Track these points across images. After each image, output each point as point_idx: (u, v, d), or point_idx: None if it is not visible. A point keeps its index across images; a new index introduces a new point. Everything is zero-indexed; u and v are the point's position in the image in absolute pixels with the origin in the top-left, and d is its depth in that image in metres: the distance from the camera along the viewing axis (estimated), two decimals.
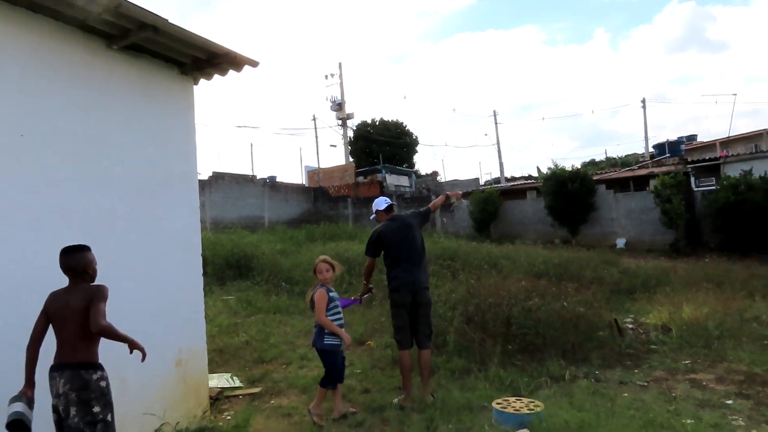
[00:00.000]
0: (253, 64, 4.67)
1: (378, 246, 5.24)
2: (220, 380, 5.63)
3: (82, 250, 3.12)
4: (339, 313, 4.75)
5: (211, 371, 5.95)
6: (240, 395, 5.30)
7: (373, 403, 4.88)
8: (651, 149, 35.64)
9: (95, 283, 3.11)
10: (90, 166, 3.94)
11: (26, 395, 2.92)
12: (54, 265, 3.05)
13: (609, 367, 5.85)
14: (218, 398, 5.22)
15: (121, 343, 2.98)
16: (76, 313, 2.93)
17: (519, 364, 5.89)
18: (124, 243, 4.08)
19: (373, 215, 5.55)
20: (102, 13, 3.62)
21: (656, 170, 21.33)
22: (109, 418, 2.99)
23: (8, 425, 2.77)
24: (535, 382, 5.29)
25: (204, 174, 24.89)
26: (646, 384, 5.29)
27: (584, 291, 8.03)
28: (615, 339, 6.80)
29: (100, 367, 3.03)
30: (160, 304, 4.29)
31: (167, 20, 3.87)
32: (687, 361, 5.95)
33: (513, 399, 4.47)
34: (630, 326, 7.72)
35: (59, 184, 3.74)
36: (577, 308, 6.80)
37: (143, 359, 3.05)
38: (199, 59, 4.55)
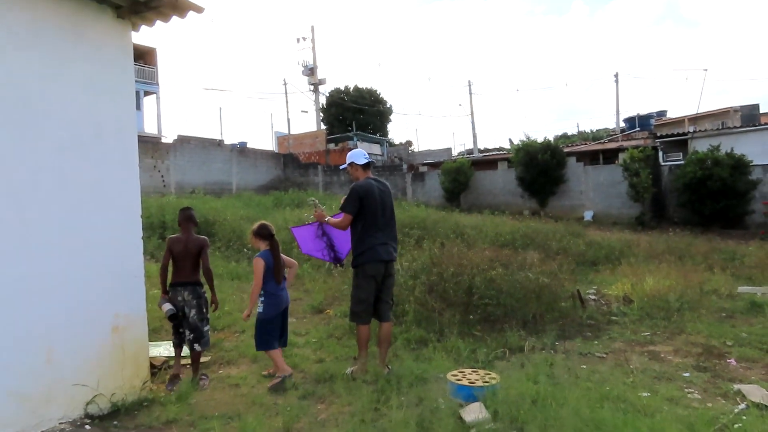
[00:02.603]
0: (198, 9, 4.27)
1: (360, 205, 4.70)
2: (163, 349, 5.34)
3: (191, 209, 4.91)
4: None
5: (159, 339, 5.68)
6: (187, 364, 5.03)
7: (325, 374, 4.68)
8: (622, 123, 35.90)
9: (202, 236, 4.88)
10: (10, 116, 3.54)
11: (167, 298, 4.67)
12: None
13: (569, 338, 5.77)
14: (162, 368, 4.95)
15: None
16: (192, 253, 4.66)
17: (478, 334, 5.76)
18: (51, 201, 3.73)
19: (345, 166, 5.03)
20: None
21: (626, 144, 21.47)
22: (208, 315, 4.82)
23: (170, 318, 4.60)
24: (493, 353, 5.18)
25: (169, 137, 24.14)
26: (604, 356, 5.23)
27: (549, 262, 7.95)
28: (577, 310, 6.75)
29: (202, 284, 4.75)
30: (92, 267, 3.96)
31: None
32: (646, 333, 5.92)
33: (469, 371, 4.31)
34: (592, 297, 7.70)
35: None
36: (541, 278, 6.69)
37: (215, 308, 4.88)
38: (137, 2, 4.12)
